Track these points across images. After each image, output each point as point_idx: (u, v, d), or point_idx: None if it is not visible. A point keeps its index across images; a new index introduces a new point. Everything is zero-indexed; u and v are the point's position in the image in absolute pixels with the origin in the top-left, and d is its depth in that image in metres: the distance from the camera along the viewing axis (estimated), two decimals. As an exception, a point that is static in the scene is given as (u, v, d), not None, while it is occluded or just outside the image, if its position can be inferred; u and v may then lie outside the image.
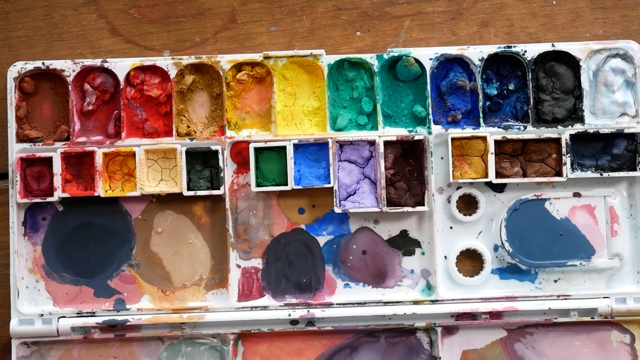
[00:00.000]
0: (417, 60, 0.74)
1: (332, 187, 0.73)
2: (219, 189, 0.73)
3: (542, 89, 0.74)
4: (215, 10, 0.76)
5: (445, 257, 0.74)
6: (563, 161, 0.73)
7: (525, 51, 0.73)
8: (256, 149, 0.73)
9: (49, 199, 0.72)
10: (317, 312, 0.73)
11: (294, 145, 0.73)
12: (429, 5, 0.76)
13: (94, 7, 0.76)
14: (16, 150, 0.73)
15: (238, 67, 0.74)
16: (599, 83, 0.74)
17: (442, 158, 0.74)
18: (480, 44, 0.76)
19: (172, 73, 0.73)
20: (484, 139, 0.73)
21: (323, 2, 0.76)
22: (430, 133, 0.73)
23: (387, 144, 0.73)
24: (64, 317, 0.73)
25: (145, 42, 0.76)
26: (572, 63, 0.74)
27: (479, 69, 0.73)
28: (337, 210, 0.73)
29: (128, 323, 0.72)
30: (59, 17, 0.76)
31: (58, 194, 0.72)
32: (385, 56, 0.74)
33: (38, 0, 0.76)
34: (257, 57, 0.74)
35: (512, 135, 0.73)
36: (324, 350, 0.74)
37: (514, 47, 0.74)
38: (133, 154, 0.73)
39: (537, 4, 0.76)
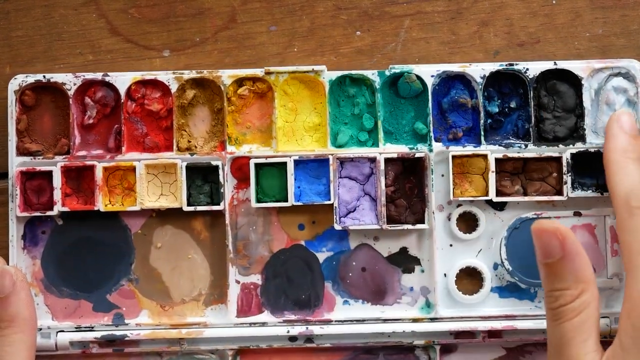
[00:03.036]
0: (418, 77, 0.74)
1: (332, 204, 0.73)
2: (219, 204, 0.73)
3: (544, 107, 0.74)
4: (215, 10, 0.76)
5: (445, 275, 0.74)
6: (564, 180, 0.73)
7: (527, 69, 0.73)
8: (256, 165, 0.73)
9: (48, 213, 0.72)
10: (316, 329, 0.73)
11: (295, 161, 0.73)
12: (428, 4, 0.76)
13: (93, 7, 0.76)
14: (16, 164, 0.73)
15: (239, 82, 0.74)
16: (601, 102, 0.74)
17: (442, 175, 0.74)
18: (480, 43, 0.76)
19: (173, 87, 0.73)
20: (484, 157, 0.73)
21: (323, 1, 0.76)
22: (431, 150, 0.73)
23: (387, 161, 0.73)
24: (63, 331, 0.73)
25: (145, 42, 0.76)
26: (573, 81, 0.74)
27: (480, 86, 0.73)
28: (337, 227, 0.73)
29: (127, 338, 0.72)
30: (59, 17, 0.76)
31: (58, 208, 0.72)
32: (387, 73, 0.74)
33: (38, 0, 0.76)
34: (258, 72, 0.74)
35: (513, 153, 0.73)
36: (322, 366, 0.74)
37: (516, 65, 0.73)
38: (133, 169, 0.73)
39: (537, 4, 0.76)
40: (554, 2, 0.76)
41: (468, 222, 0.74)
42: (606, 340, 0.72)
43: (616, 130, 0.70)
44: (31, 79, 0.73)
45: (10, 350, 0.66)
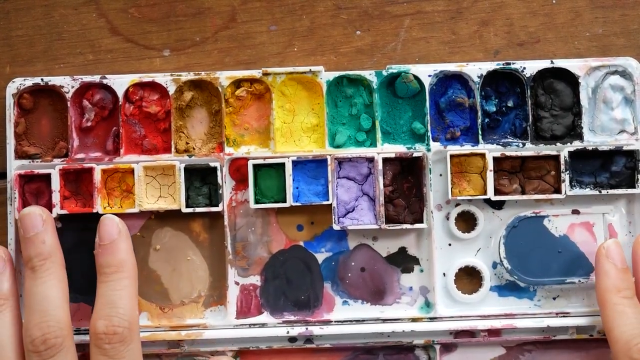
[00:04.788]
0: (416, 77, 0.74)
1: (331, 204, 0.73)
2: (217, 205, 0.73)
3: (541, 105, 0.74)
4: (215, 10, 0.76)
5: (444, 274, 0.74)
6: (562, 178, 0.73)
7: (524, 68, 0.73)
8: (255, 166, 0.73)
9: (47, 216, 0.73)
10: (316, 330, 0.73)
11: (293, 162, 0.73)
12: (428, 4, 0.76)
13: (93, 7, 0.76)
14: (15, 167, 0.73)
15: (237, 83, 0.74)
16: (598, 100, 0.74)
17: (440, 175, 0.74)
18: (480, 43, 0.76)
19: (171, 89, 0.73)
20: (482, 156, 0.73)
21: (323, 1, 0.76)
22: (429, 150, 0.73)
23: (385, 160, 0.73)
24: (62, 334, 0.73)
25: (145, 41, 0.76)
26: (571, 80, 0.74)
27: (477, 85, 0.73)
28: (336, 227, 0.73)
29: (126, 340, 0.72)
30: (59, 17, 0.76)
31: (56, 211, 0.72)
32: (384, 73, 0.74)
33: (38, 0, 0.76)
34: (255, 73, 0.74)
35: (510, 152, 0.73)
36: (322, 367, 0.74)
37: (513, 64, 0.73)
38: (132, 171, 0.73)
39: (537, 3, 0.76)
40: (554, 1, 0.76)
41: (467, 221, 0.74)
42: (605, 338, 0.72)
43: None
44: (29, 82, 0.73)
45: (122, 293, 0.68)
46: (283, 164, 0.73)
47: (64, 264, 0.70)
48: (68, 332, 0.67)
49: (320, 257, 0.74)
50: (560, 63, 0.74)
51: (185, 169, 0.73)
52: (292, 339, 0.73)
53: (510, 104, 0.74)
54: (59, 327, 0.66)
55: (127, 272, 0.69)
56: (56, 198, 0.72)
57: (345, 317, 0.74)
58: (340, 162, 0.74)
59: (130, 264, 0.69)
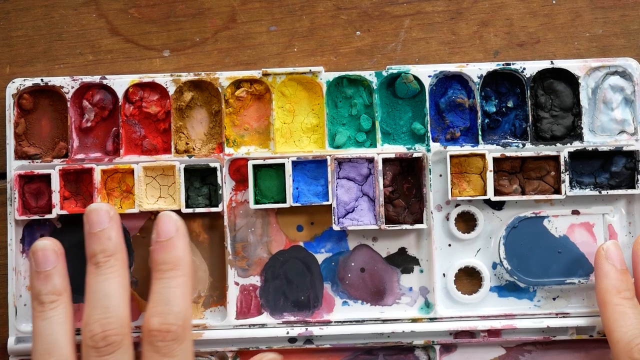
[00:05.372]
0: (415, 78, 0.74)
1: (331, 205, 0.73)
2: (217, 206, 0.73)
3: (541, 106, 0.74)
4: (215, 10, 0.76)
5: (444, 274, 0.74)
6: (562, 179, 0.73)
7: (524, 68, 0.73)
8: (255, 166, 0.73)
9: (47, 216, 0.72)
10: (316, 330, 0.73)
11: (293, 162, 0.73)
12: (428, 4, 0.76)
13: (93, 7, 0.76)
14: (14, 167, 0.73)
15: (237, 83, 0.74)
16: (598, 100, 0.74)
17: (440, 175, 0.74)
18: (480, 43, 0.76)
19: (171, 90, 0.73)
20: (482, 156, 0.73)
21: (323, 1, 0.76)
22: (428, 150, 0.73)
23: (385, 161, 0.73)
24: (62, 334, 0.73)
25: (145, 42, 0.76)
26: (570, 80, 0.74)
27: (477, 86, 0.73)
28: (336, 227, 0.73)
29: (126, 340, 0.72)
30: (59, 17, 0.76)
31: (56, 211, 0.72)
32: (384, 73, 0.74)
33: (38, 0, 0.76)
34: (255, 74, 0.74)
35: (510, 152, 0.73)
36: (322, 367, 0.74)
37: (513, 64, 0.73)
38: (131, 171, 0.73)
39: (537, 4, 0.76)
40: (554, 2, 0.76)
41: (467, 222, 0.74)
42: (605, 338, 0.72)
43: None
44: (29, 82, 0.73)
45: (177, 291, 0.68)
46: (283, 165, 0.73)
47: (127, 262, 0.70)
48: (127, 331, 0.67)
49: (320, 257, 0.74)
50: (560, 63, 0.74)
51: (185, 169, 0.73)
52: (292, 340, 0.73)
53: (510, 104, 0.74)
54: (120, 325, 0.67)
55: (183, 270, 0.69)
56: (56, 198, 0.72)
57: (345, 317, 0.74)
58: (340, 162, 0.74)
59: (186, 262, 0.69)
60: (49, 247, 0.69)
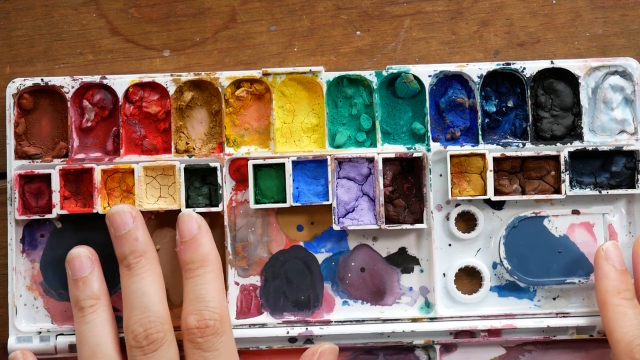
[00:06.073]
0: (416, 77, 0.74)
1: (331, 204, 0.73)
2: (217, 206, 0.73)
3: (541, 106, 0.74)
4: (215, 10, 0.76)
5: (444, 274, 0.74)
6: (562, 178, 0.73)
7: (524, 68, 0.73)
8: (255, 166, 0.73)
9: (47, 216, 0.72)
10: (316, 330, 0.73)
11: (293, 162, 0.73)
12: (428, 4, 0.76)
13: (93, 7, 0.76)
14: (15, 167, 0.73)
15: (237, 83, 0.74)
16: (598, 100, 0.74)
17: (440, 175, 0.74)
18: (480, 43, 0.76)
19: (171, 90, 0.73)
20: (482, 156, 0.73)
21: (323, 1, 0.76)
22: (429, 150, 0.73)
23: (385, 161, 0.73)
24: (62, 334, 0.73)
25: (145, 42, 0.76)
26: (571, 80, 0.74)
27: (477, 86, 0.73)
28: (336, 227, 0.73)
29: (126, 340, 0.72)
30: (59, 17, 0.76)
31: (56, 211, 0.72)
32: (384, 73, 0.74)
33: (38, 0, 0.76)
34: (255, 73, 0.74)
35: (510, 152, 0.73)
36: (322, 367, 0.74)
37: (513, 64, 0.73)
38: (132, 171, 0.73)
39: (537, 4, 0.76)
40: (554, 2, 0.76)
41: (467, 222, 0.74)
42: (605, 338, 0.72)
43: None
44: (29, 82, 0.73)
45: (209, 287, 0.69)
46: (283, 164, 0.73)
47: (158, 258, 0.71)
48: (169, 327, 0.68)
49: (320, 257, 0.74)
50: (560, 63, 0.74)
51: (185, 169, 0.73)
52: (292, 339, 0.73)
53: (510, 104, 0.74)
54: (160, 322, 0.67)
55: (211, 265, 0.69)
56: (56, 198, 0.72)
57: (345, 317, 0.74)
58: (340, 162, 0.74)
59: (213, 257, 0.70)
60: (83, 254, 0.70)
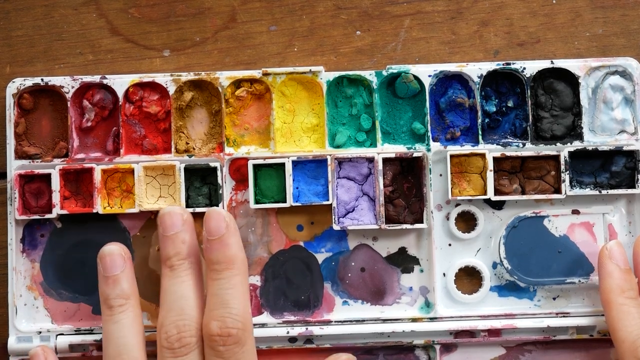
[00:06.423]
0: (416, 77, 0.74)
1: (331, 204, 0.73)
2: (217, 205, 0.73)
3: (541, 106, 0.74)
4: (215, 10, 0.76)
5: (444, 274, 0.74)
6: (562, 178, 0.73)
7: (524, 68, 0.73)
8: (255, 166, 0.73)
9: (47, 216, 0.72)
10: (316, 330, 0.73)
11: (293, 162, 0.73)
12: (428, 4, 0.76)
13: (93, 7, 0.76)
14: (15, 167, 0.73)
15: (237, 83, 0.74)
16: (598, 100, 0.74)
17: (440, 175, 0.74)
18: (480, 43, 0.76)
19: (171, 89, 0.73)
20: (482, 156, 0.73)
21: (323, 1, 0.76)
22: (429, 150, 0.73)
23: (385, 161, 0.73)
24: (62, 334, 0.73)
25: (145, 42, 0.76)
26: (571, 80, 0.74)
27: (477, 86, 0.73)
28: (336, 227, 0.73)
29: (126, 340, 0.72)
30: (59, 17, 0.76)
31: (56, 211, 0.72)
32: (384, 73, 0.74)
33: (38, 0, 0.76)
34: (255, 73, 0.74)
35: (510, 152, 0.73)
36: (322, 367, 0.74)
37: (513, 64, 0.73)
38: (132, 171, 0.73)
39: (537, 4, 0.76)
40: (554, 1, 0.76)
41: (467, 222, 0.74)
42: (605, 338, 0.72)
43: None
44: (29, 82, 0.73)
45: (234, 292, 0.67)
46: (283, 164, 0.73)
47: (201, 263, 0.70)
48: (201, 334, 0.67)
49: (320, 257, 0.74)
50: (560, 63, 0.74)
51: (185, 169, 0.73)
52: (292, 339, 0.73)
53: (510, 104, 0.74)
54: (195, 327, 0.67)
55: (239, 268, 0.68)
56: (56, 198, 0.72)
57: (345, 317, 0.74)
58: (340, 162, 0.74)
59: (240, 259, 0.68)
60: (116, 251, 0.69)
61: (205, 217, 0.69)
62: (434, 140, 0.74)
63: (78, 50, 0.76)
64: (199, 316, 0.67)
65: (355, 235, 0.74)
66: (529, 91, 0.73)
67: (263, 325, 0.73)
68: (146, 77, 0.74)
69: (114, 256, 0.69)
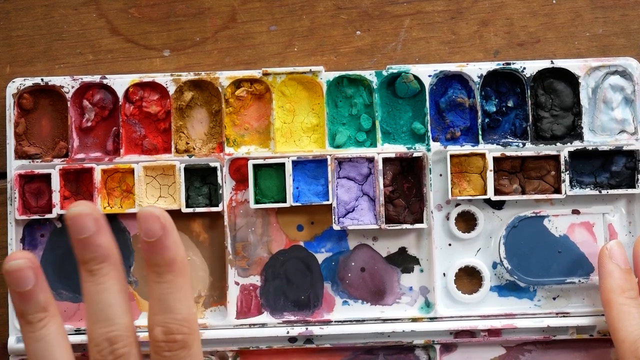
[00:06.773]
0: (416, 77, 0.74)
1: (331, 204, 0.73)
2: (217, 205, 0.73)
3: (541, 105, 0.74)
4: (215, 10, 0.76)
5: (444, 274, 0.74)
6: (562, 178, 0.73)
7: (524, 68, 0.73)
8: (255, 166, 0.73)
9: (47, 216, 0.72)
10: (316, 330, 0.73)
11: (293, 162, 0.73)
12: (428, 4, 0.76)
13: (94, 7, 0.76)
14: (15, 167, 0.73)
15: (237, 83, 0.74)
16: (598, 100, 0.74)
17: (440, 175, 0.74)
18: (480, 43, 0.76)
19: (171, 89, 0.73)
20: (482, 156, 0.73)
21: (323, 1, 0.76)
22: (429, 150, 0.73)
23: (385, 160, 0.73)
24: (62, 334, 0.73)
25: (145, 42, 0.76)
26: (571, 80, 0.74)
27: (478, 85, 0.73)
28: (336, 227, 0.73)
29: (126, 340, 0.72)
30: (59, 17, 0.76)
31: (56, 211, 0.72)
32: (384, 73, 0.74)
33: (38, 0, 0.76)
34: (256, 73, 0.74)
35: (510, 152, 0.73)
36: (322, 367, 0.74)
37: (513, 64, 0.73)
38: (132, 171, 0.73)
39: (537, 4, 0.76)
40: (554, 1, 0.76)
41: (467, 222, 0.74)
42: (605, 338, 0.72)
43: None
44: (29, 82, 0.73)
45: (178, 295, 0.62)
46: (283, 164, 0.73)
47: (121, 262, 0.64)
48: (134, 338, 0.63)
49: (320, 257, 0.74)
50: (560, 63, 0.74)
51: (185, 169, 0.73)
52: (292, 339, 0.73)
53: (510, 104, 0.74)
54: (127, 335, 0.62)
55: (179, 270, 0.62)
56: (56, 198, 0.72)
57: (345, 317, 0.74)
58: (340, 162, 0.74)
59: (180, 260, 0.62)
60: (23, 265, 0.62)
61: (137, 218, 0.62)
62: (434, 140, 0.74)
63: (78, 50, 0.76)
64: (129, 323, 0.63)
65: (355, 235, 0.74)
66: (529, 91, 0.73)
67: (263, 325, 0.73)
68: (146, 77, 0.74)
69: (22, 271, 0.62)
